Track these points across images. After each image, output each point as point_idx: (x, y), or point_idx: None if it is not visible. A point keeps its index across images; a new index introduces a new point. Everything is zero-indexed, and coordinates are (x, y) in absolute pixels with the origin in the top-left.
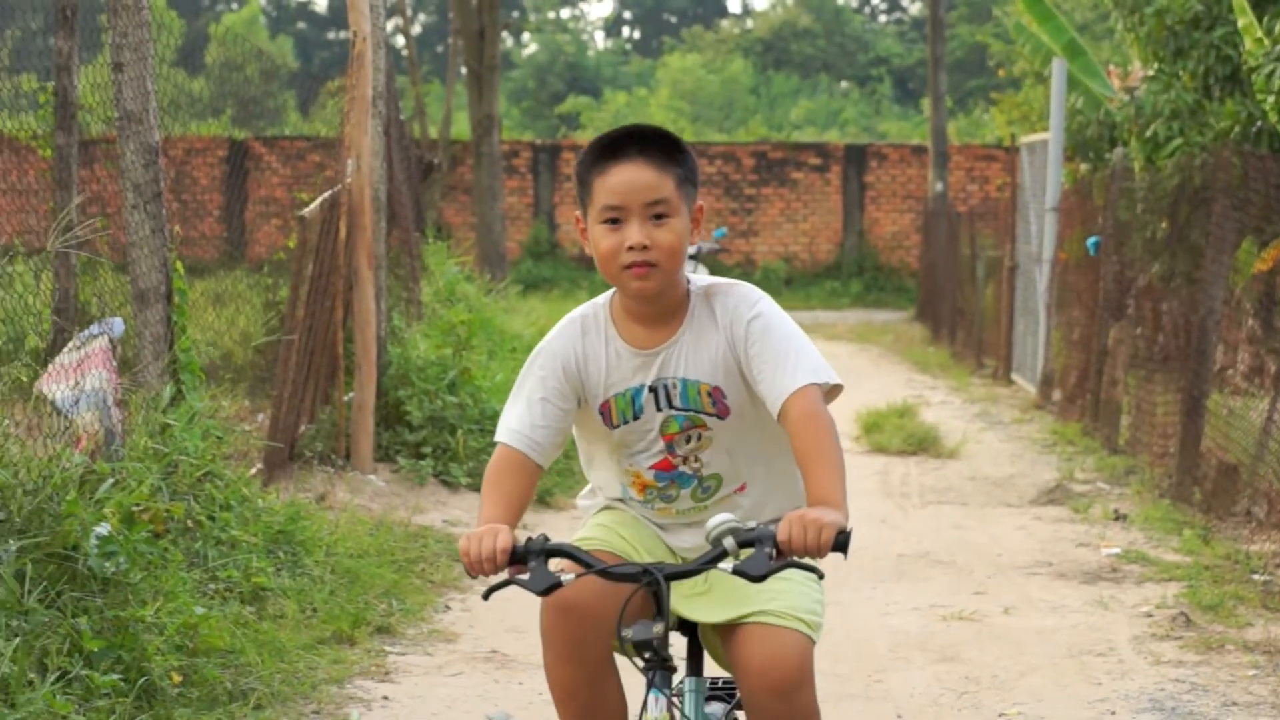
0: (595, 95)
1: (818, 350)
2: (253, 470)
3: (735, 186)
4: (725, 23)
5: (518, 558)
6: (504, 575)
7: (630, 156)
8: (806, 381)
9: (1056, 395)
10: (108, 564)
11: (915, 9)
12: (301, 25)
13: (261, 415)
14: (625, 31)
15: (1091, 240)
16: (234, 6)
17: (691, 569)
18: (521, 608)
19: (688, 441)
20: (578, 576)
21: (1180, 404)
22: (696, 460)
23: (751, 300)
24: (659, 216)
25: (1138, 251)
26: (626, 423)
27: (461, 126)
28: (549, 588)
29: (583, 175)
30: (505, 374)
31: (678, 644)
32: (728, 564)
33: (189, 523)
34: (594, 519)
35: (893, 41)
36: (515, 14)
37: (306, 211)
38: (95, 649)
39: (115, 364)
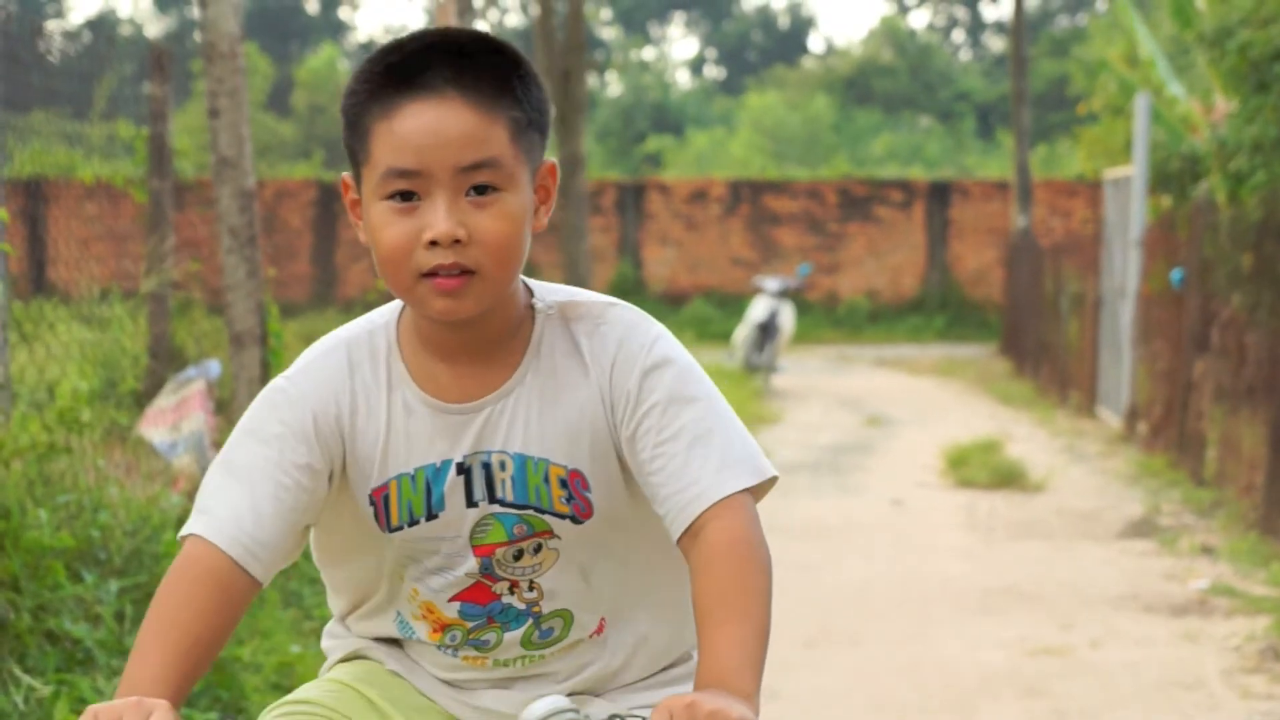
0: (679, 134)
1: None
2: None
3: (819, 223)
4: (808, 61)
5: None
6: None
7: (435, 87)
8: (737, 487)
9: (1142, 428)
10: None
11: (996, 45)
12: None
13: None
14: (709, 71)
15: (1175, 274)
16: (321, 50)
17: None
18: None
19: (518, 558)
20: None
21: (1267, 436)
22: (532, 588)
23: (647, 336)
24: (483, 189)
25: (1221, 284)
26: (415, 523)
27: None
28: None
29: (354, 113)
30: None
31: None
32: None
33: None
34: (329, 675)
35: (975, 77)
36: (600, 51)
37: None
38: (194, 688)
39: (212, 406)
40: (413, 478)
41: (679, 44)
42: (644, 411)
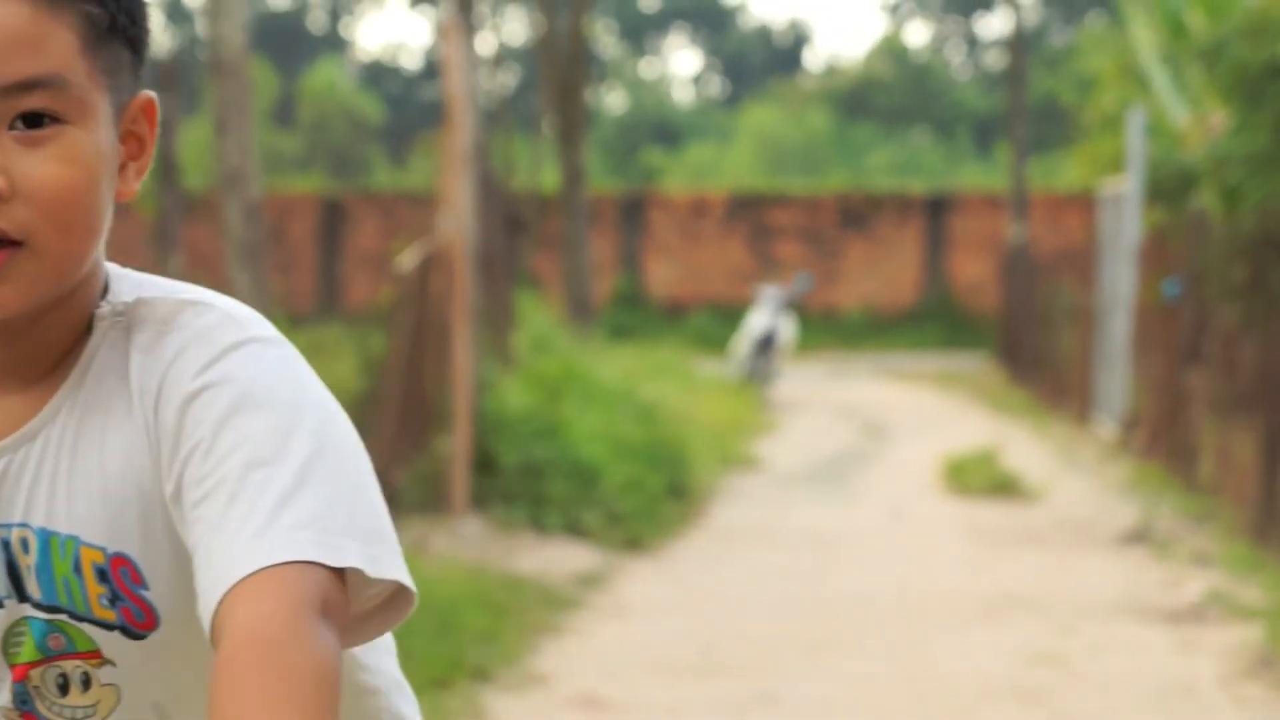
0: (679, 148)
1: (369, 482)
2: None
3: (818, 236)
4: (807, 77)
5: None
6: None
7: None
8: (276, 559)
9: (1137, 437)
10: None
11: (992, 58)
12: (392, 79)
13: None
14: (710, 85)
15: (1168, 286)
16: (321, 67)
17: None
18: (618, 649)
19: (64, 690)
20: None
21: (1260, 445)
22: None
23: (216, 346)
24: (35, 121)
25: (1215, 296)
26: None
27: (549, 179)
28: None
29: None
30: (598, 422)
31: None
32: None
33: None
34: None
35: (971, 91)
36: (599, 66)
37: (402, 265)
38: None
39: None
40: None
41: (681, 60)
42: (184, 457)
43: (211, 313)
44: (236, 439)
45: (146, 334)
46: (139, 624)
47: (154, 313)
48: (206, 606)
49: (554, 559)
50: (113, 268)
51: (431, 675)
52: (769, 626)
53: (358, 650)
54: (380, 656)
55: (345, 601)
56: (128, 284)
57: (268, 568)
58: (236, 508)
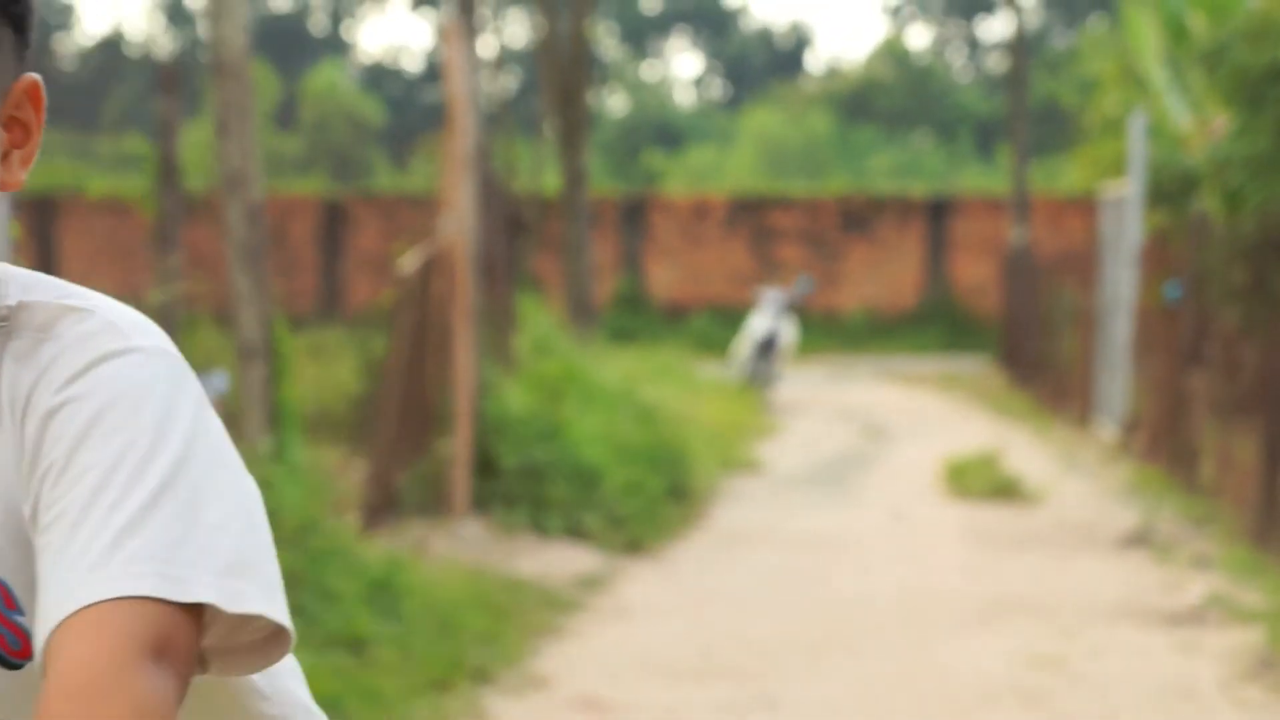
0: (680, 150)
1: (243, 511)
2: (352, 520)
3: (819, 238)
4: (809, 79)
5: None
6: None
7: None
8: (102, 596)
9: (1138, 440)
10: None
11: (993, 61)
12: (393, 81)
13: (359, 467)
14: (712, 88)
15: (1169, 288)
16: (323, 69)
17: None
18: (619, 651)
19: None
20: None
21: (1261, 448)
22: None
23: (91, 354)
24: None
25: (1216, 298)
26: None
27: (551, 181)
28: None
29: None
30: (598, 425)
31: None
32: None
33: (290, 573)
34: None
35: (973, 94)
36: (600, 69)
37: (403, 267)
38: None
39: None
40: None
41: (682, 62)
42: (40, 477)
43: (92, 319)
44: (90, 460)
45: (23, 341)
46: (14, 652)
47: (34, 318)
48: (38, 641)
49: (555, 561)
50: (2, 267)
51: (432, 677)
52: (769, 629)
53: (258, 678)
54: (284, 682)
55: (191, 639)
56: (15, 286)
57: (99, 603)
58: (79, 536)
